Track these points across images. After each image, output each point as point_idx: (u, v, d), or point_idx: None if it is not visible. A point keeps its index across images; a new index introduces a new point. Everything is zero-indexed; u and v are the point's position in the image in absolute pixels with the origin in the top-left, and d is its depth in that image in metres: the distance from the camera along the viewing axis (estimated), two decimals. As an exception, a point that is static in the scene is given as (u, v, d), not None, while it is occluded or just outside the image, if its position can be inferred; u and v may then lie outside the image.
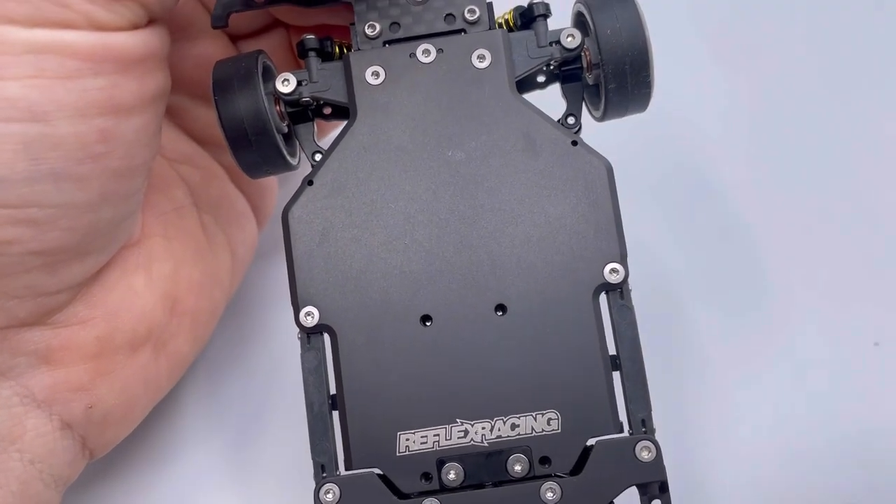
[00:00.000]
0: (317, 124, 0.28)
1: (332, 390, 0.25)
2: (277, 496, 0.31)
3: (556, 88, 0.27)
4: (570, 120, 0.26)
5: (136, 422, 0.27)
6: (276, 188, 0.32)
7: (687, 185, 0.35)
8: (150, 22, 0.23)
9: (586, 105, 0.27)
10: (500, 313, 0.24)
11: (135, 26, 0.22)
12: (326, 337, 0.25)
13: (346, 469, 0.24)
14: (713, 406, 0.31)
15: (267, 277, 0.33)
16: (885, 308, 0.32)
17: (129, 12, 0.21)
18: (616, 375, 0.24)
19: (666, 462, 0.24)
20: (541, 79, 0.27)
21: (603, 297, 0.25)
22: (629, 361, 0.24)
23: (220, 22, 0.26)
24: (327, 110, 0.27)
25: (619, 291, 0.24)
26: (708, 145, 0.35)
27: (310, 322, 0.24)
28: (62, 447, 0.24)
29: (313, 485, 0.24)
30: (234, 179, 0.30)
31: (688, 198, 0.35)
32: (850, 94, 0.36)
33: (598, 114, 0.27)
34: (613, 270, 0.24)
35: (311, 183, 0.25)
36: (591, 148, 0.25)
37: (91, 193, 0.22)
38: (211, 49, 0.28)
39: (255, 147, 0.25)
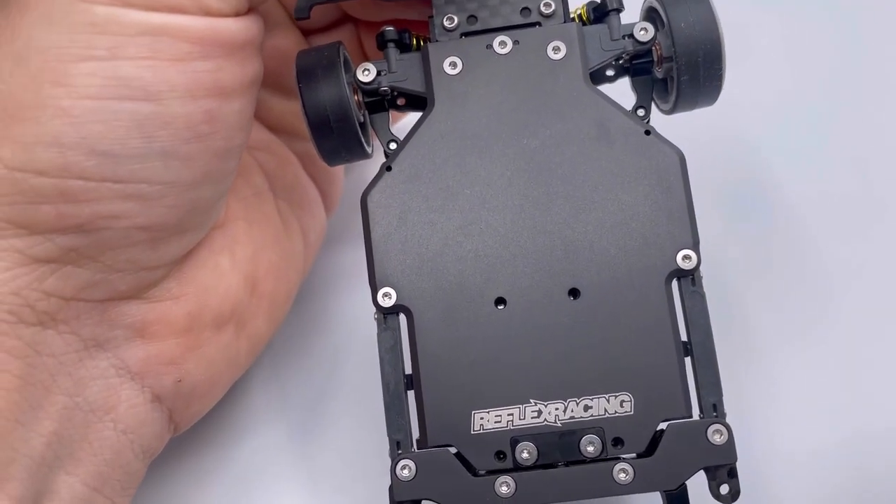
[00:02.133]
0: (392, 116, 0.29)
1: (408, 370, 0.25)
2: (340, 478, 0.31)
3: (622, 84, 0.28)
4: (640, 112, 0.27)
5: (218, 398, 0.28)
6: (343, 177, 0.33)
7: (745, 180, 0.35)
8: (251, 9, 0.24)
9: (654, 99, 0.28)
10: (573, 298, 0.25)
11: (238, 13, 0.23)
12: (402, 318, 0.25)
13: (421, 447, 0.25)
14: (774, 394, 0.31)
15: (332, 264, 0.34)
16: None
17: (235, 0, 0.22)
18: (687, 361, 0.25)
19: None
20: (610, 73, 0.28)
21: (675, 285, 0.25)
22: (700, 347, 0.25)
23: (302, 14, 0.27)
24: (401, 101, 0.28)
25: (690, 278, 0.25)
26: (766, 138, 0.36)
27: (387, 303, 0.25)
28: (152, 419, 0.25)
29: (376, 468, 0.24)
30: (306, 167, 0.31)
31: (746, 194, 0.35)
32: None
33: (667, 107, 0.27)
34: (686, 257, 0.25)
35: (389, 169, 0.26)
36: (664, 138, 0.25)
37: (195, 172, 0.23)
38: (285, 42, 0.29)
39: (337, 134, 0.26)
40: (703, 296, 0.25)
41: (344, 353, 0.33)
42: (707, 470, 0.24)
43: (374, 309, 0.25)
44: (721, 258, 0.34)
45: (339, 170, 0.33)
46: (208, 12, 0.22)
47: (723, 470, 0.24)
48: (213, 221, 0.26)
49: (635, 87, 0.27)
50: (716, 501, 0.24)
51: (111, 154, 0.21)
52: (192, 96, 0.22)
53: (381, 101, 0.27)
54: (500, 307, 0.25)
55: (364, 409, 0.32)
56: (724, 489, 0.24)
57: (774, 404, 0.31)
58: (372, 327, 0.25)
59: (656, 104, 0.28)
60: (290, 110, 0.30)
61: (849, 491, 0.30)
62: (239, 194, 0.28)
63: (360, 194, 0.26)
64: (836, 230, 0.34)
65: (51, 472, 0.23)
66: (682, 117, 0.28)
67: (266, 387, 0.33)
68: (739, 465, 0.24)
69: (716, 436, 0.24)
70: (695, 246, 0.25)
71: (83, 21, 0.21)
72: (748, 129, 0.36)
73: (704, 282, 0.25)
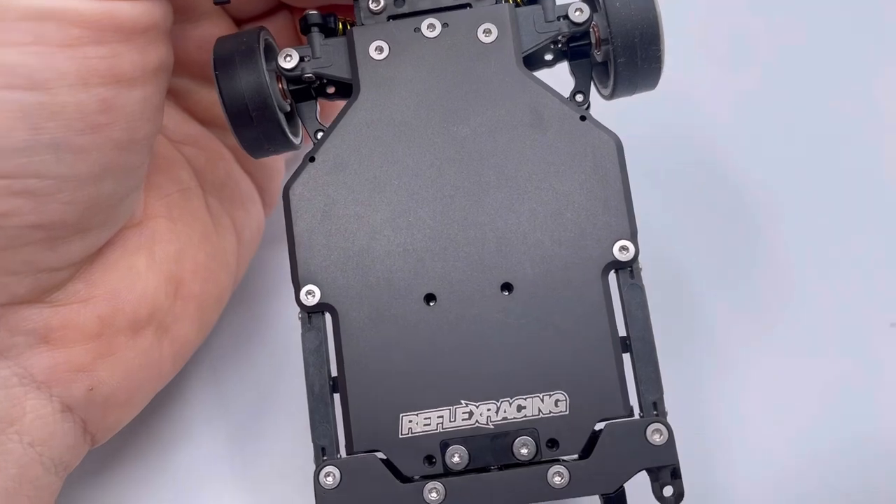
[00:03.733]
0: (320, 105, 0.27)
1: (334, 372, 0.24)
2: (281, 485, 0.30)
3: (563, 69, 0.27)
4: (579, 98, 0.26)
5: (139, 407, 0.27)
6: (283, 172, 0.32)
7: (695, 168, 0.34)
8: None
9: (595, 84, 0.27)
10: (506, 292, 0.24)
11: None
12: (328, 318, 0.24)
13: (348, 452, 0.23)
14: (724, 390, 0.30)
15: (274, 264, 0.33)
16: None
17: None
18: (626, 358, 0.24)
19: (678, 448, 0.23)
20: (549, 56, 0.27)
21: (612, 278, 0.24)
22: (640, 342, 0.23)
23: None
24: (331, 89, 0.27)
25: (629, 270, 0.24)
26: (717, 127, 0.35)
27: (311, 301, 0.24)
28: (62, 430, 0.24)
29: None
30: (241, 162, 0.30)
31: (696, 181, 0.34)
32: (863, 77, 0.35)
33: (607, 92, 0.26)
34: (623, 248, 0.23)
35: (312, 160, 0.24)
36: (600, 123, 0.24)
37: (92, 165, 0.22)
38: (214, 31, 0.28)
39: (257, 124, 0.25)
40: (641, 288, 0.24)
41: (284, 356, 0.32)
42: (649, 471, 0.23)
43: None
44: (669, 248, 0.33)
45: (278, 165, 0.32)
46: None
47: (665, 471, 0.23)
48: (122, 219, 0.24)
49: (573, 71, 0.26)
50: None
51: None
52: (85, 84, 0.21)
53: (308, 89, 0.26)
54: (430, 304, 0.24)
55: (304, 415, 0.30)
56: (668, 491, 0.23)
57: (729, 398, 0.30)
58: None
59: (598, 90, 0.27)
60: (214, 102, 0.29)
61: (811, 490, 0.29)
62: (161, 191, 0.26)
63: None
64: (791, 216, 0.33)
65: None
66: (637, 105, 0.26)
67: (203, 393, 0.31)
68: (689, 465, 0.23)
69: (655, 435, 0.23)
70: (632, 236, 0.24)
71: None
72: (698, 115, 0.35)
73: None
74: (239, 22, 0.29)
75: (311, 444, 0.24)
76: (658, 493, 0.23)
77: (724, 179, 0.34)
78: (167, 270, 0.26)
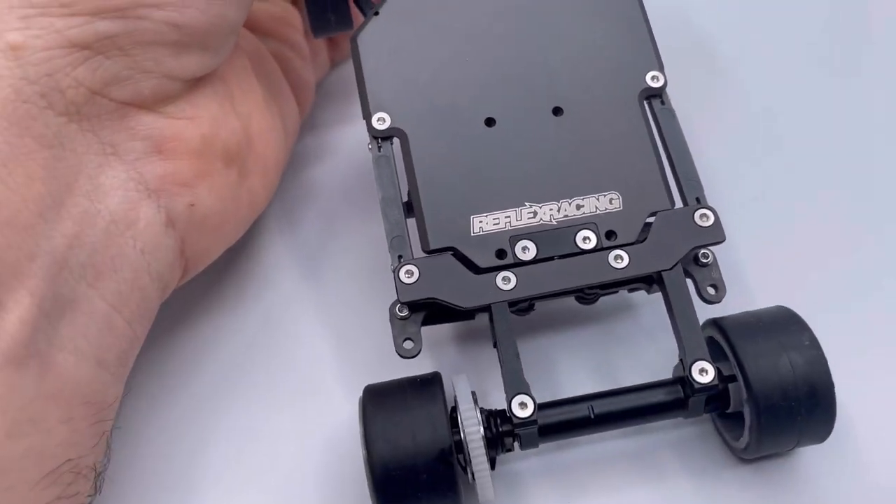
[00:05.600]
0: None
1: (405, 197, 0.26)
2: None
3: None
4: None
5: (226, 241, 0.28)
6: (314, 90, 0.34)
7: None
8: None
9: None
10: (557, 115, 0.26)
11: None
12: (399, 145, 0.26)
13: (424, 252, 0.25)
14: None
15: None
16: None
17: None
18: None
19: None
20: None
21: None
22: (677, 151, 0.26)
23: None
24: None
25: (660, 98, 0.27)
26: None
27: (382, 126, 0.26)
28: (165, 244, 0.25)
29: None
30: (279, 66, 0.33)
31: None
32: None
33: None
34: (654, 77, 0.27)
35: (377, 14, 0.28)
36: (623, -16, 0.28)
37: None
38: None
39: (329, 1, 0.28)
40: (672, 111, 0.27)
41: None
42: (694, 275, 0.25)
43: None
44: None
45: (310, 77, 0.34)
46: None
47: (707, 270, 0.25)
48: (227, 52, 0.27)
49: None
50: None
51: None
52: None
53: None
54: (490, 126, 0.26)
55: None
56: (711, 291, 0.25)
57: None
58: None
59: None
60: (264, 11, 0.32)
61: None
62: (233, 62, 0.29)
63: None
64: None
65: (72, 278, 0.22)
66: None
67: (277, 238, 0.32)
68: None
69: (702, 219, 0.25)
70: (661, 68, 0.27)
71: None
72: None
73: None
74: None
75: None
76: (703, 293, 0.25)
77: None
78: (244, 123, 0.28)
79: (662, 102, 0.27)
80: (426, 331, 0.25)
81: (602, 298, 0.27)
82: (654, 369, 0.27)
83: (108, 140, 0.24)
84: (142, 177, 0.24)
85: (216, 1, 0.24)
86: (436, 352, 0.29)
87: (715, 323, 0.25)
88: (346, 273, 0.31)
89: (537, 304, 0.26)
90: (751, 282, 0.29)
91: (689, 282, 0.25)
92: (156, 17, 0.23)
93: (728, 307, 0.25)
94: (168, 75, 0.24)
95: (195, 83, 0.26)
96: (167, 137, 0.25)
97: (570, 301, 0.27)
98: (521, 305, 0.26)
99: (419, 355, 0.25)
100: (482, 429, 0.23)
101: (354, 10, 0.30)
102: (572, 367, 0.28)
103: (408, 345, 0.25)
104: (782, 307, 0.25)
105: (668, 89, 0.27)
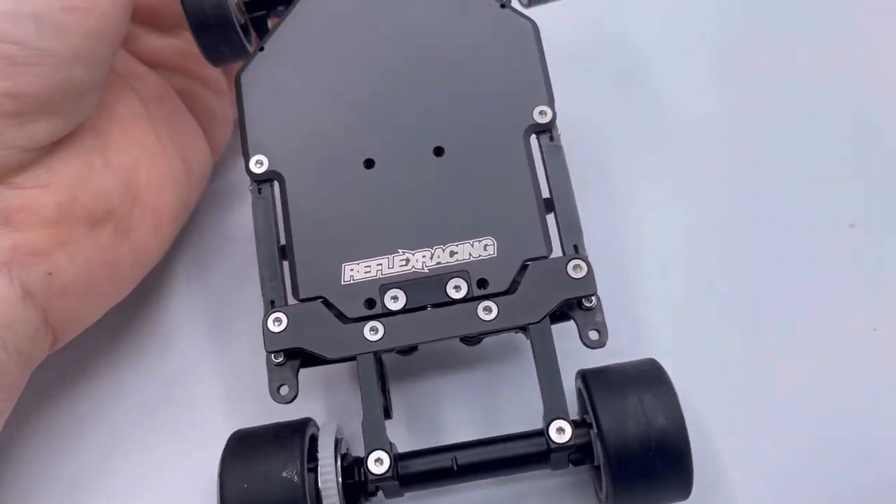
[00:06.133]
0: (272, 22, 0.30)
1: (282, 241, 0.26)
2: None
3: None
4: None
5: (99, 306, 0.28)
6: (230, 122, 0.33)
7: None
8: None
9: None
10: (438, 155, 0.26)
11: None
12: (276, 188, 0.26)
13: (295, 299, 0.25)
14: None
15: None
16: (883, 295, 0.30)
17: None
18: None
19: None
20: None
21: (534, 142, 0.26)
22: (560, 193, 0.26)
23: None
24: (281, 7, 0.29)
25: (548, 133, 0.26)
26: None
27: (260, 169, 0.26)
28: (24, 316, 0.25)
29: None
30: (186, 104, 0.32)
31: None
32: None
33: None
34: (542, 112, 0.26)
35: (261, 49, 0.27)
36: (519, 10, 0.27)
37: (67, 45, 0.24)
38: None
39: (215, 29, 0.27)
40: (560, 148, 0.26)
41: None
42: (576, 319, 0.25)
43: None
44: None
45: (226, 112, 0.33)
46: None
47: (591, 315, 0.25)
48: (84, 113, 0.26)
49: None
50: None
51: None
52: None
53: (261, 3, 0.29)
54: (369, 168, 0.26)
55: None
56: (594, 335, 0.25)
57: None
58: None
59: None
60: (167, 46, 0.30)
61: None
62: (114, 110, 0.28)
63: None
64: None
65: None
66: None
67: (180, 298, 0.32)
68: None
69: (575, 270, 0.25)
70: (550, 102, 0.26)
71: None
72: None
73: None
74: None
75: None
76: (585, 339, 0.25)
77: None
78: (123, 176, 0.27)
79: (551, 138, 0.26)
80: (321, 368, 0.25)
81: (488, 338, 0.26)
82: (539, 413, 0.27)
83: None
84: None
85: (59, 65, 0.24)
86: (331, 389, 0.29)
87: (581, 375, 0.25)
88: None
89: (421, 346, 0.26)
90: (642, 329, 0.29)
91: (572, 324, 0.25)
92: None
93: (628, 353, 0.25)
94: (11, 146, 0.24)
95: (53, 146, 0.25)
96: (14, 209, 0.24)
97: (456, 341, 0.26)
98: (402, 347, 0.26)
99: (298, 398, 0.25)
100: (338, 479, 0.24)
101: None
102: (456, 411, 0.28)
103: (283, 390, 0.25)
104: (650, 360, 0.25)
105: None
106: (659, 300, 0.30)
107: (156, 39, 0.31)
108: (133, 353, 0.30)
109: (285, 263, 0.26)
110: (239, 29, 0.28)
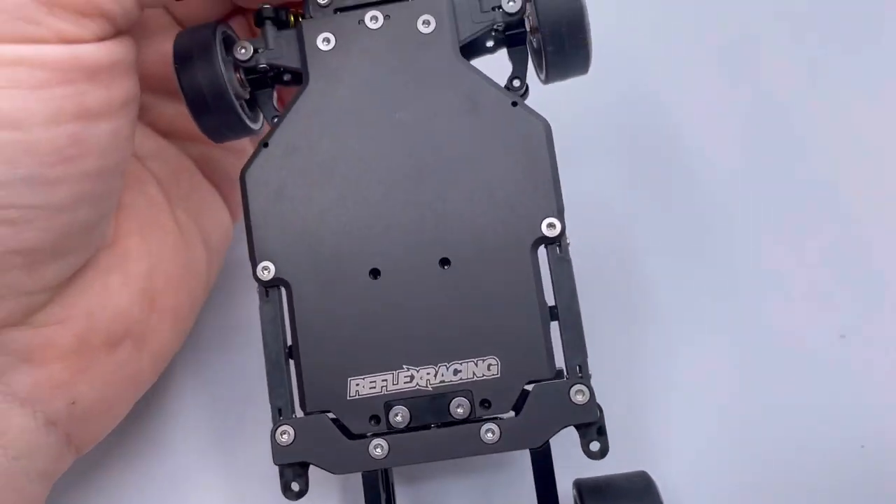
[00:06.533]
0: (279, 92, 0.29)
1: (290, 342, 0.26)
2: (265, 485, 0.31)
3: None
4: (516, 83, 0.27)
5: (120, 416, 0.28)
6: None
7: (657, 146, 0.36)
8: (117, 33, 0.24)
9: (535, 68, 0.28)
10: (444, 267, 0.26)
11: (101, 38, 0.23)
12: (284, 291, 0.26)
13: (302, 413, 0.26)
14: (663, 366, 0.32)
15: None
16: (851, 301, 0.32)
17: (96, 26, 0.23)
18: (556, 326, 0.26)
19: (611, 411, 0.25)
20: (489, 43, 0.28)
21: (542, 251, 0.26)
22: (566, 311, 0.26)
23: None
24: (286, 77, 0.28)
25: (556, 245, 0.26)
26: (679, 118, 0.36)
27: (266, 276, 0.26)
28: (47, 444, 0.25)
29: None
30: (205, 171, 0.31)
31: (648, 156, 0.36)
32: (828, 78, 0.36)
33: (543, 76, 0.28)
34: (550, 225, 0.25)
35: (266, 145, 0.26)
36: (530, 109, 0.26)
37: (65, 195, 0.23)
38: (169, 45, 0.29)
39: (215, 112, 0.27)
40: (568, 261, 0.26)
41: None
42: (578, 428, 0.25)
43: None
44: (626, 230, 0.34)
45: None
46: (68, 40, 0.22)
47: (592, 428, 0.25)
48: (97, 243, 0.26)
49: (512, 57, 0.28)
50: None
51: None
52: (55, 121, 0.22)
53: (264, 78, 0.28)
54: (375, 278, 0.26)
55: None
56: (594, 446, 0.25)
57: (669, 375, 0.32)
58: None
59: (537, 74, 0.28)
60: (182, 113, 0.29)
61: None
62: (131, 209, 0.28)
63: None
64: (747, 227, 0.35)
65: None
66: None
67: (186, 393, 0.33)
68: (620, 427, 0.25)
69: (578, 396, 0.25)
70: (559, 214, 0.26)
71: None
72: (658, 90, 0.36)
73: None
74: None
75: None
76: (586, 449, 0.25)
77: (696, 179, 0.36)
78: (140, 287, 0.27)
79: (560, 250, 0.26)
80: None
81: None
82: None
83: None
84: (10, 388, 0.24)
85: (57, 213, 0.23)
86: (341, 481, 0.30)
87: (576, 485, 0.26)
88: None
89: None
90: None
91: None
92: None
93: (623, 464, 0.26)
94: (26, 293, 0.24)
95: (68, 280, 0.25)
96: (34, 347, 0.24)
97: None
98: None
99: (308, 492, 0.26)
100: None
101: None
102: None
103: (294, 486, 0.26)
104: (642, 473, 0.26)
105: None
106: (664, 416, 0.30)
107: (170, 107, 0.30)
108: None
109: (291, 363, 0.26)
110: (240, 110, 0.27)
